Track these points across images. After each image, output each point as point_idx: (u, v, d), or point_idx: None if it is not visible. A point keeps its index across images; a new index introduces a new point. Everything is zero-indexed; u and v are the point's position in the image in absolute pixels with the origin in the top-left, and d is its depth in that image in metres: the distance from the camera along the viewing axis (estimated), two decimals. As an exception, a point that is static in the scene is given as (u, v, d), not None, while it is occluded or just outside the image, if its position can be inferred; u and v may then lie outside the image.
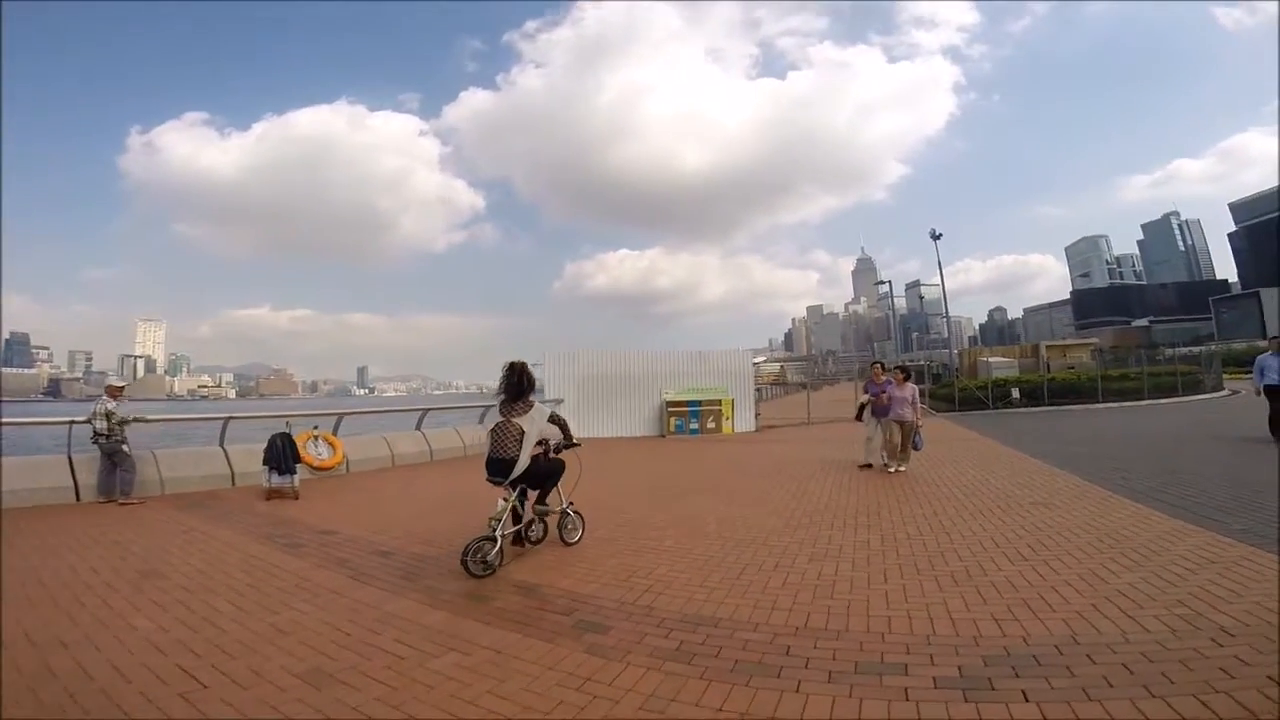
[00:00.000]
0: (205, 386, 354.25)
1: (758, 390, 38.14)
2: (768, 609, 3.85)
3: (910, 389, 9.25)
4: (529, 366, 5.44)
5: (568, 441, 5.64)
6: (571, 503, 5.64)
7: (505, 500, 4.98)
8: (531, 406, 5.16)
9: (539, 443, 5.30)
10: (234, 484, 9.11)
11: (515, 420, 5.04)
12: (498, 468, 5.00)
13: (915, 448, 9.21)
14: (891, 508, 6.74)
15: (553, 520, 5.55)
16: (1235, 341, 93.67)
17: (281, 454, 8.45)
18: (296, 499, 8.17)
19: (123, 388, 8.69)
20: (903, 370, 9.70)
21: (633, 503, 7.52)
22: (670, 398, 17.91)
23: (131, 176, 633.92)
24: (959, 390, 22.93)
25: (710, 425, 18.00)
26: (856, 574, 4.49)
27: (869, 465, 9.47)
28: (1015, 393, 21.94)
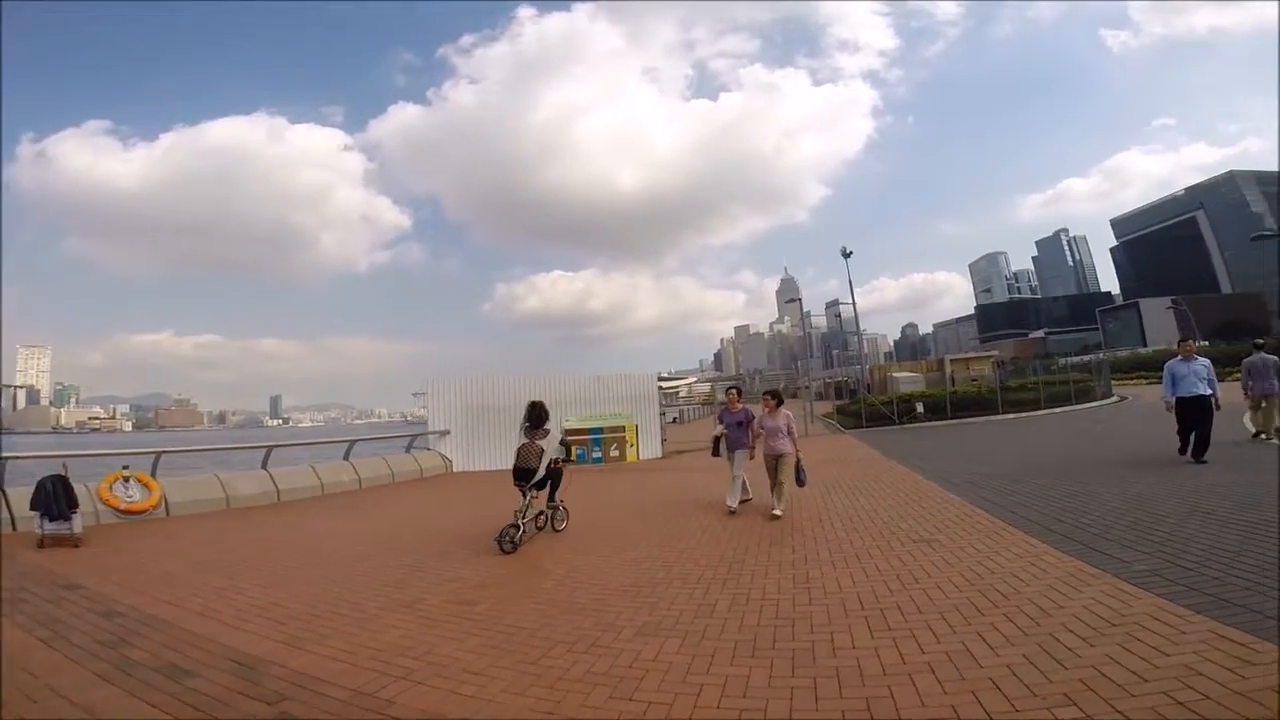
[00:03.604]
0: (97, 418, 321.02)
1: (679, 413, 37.82)
2: (547, 714, 2.95)
3: (784, 416, 7.75)
4: (543, 403, 7.33)
5: (565, 457, 7.80)
6: (562, 500, 7.51)
7: (525, 496, 6.82)
8: (549, 433, 7.12)
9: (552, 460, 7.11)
10: (15, 528, 7.99)
11: (538, 442, 6.97)
12: (523, 475, 6.86)
13: (799, 483, 7.56)
14: (758, 554, 5.78)
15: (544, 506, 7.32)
16: (1120, 350, 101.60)
17: (52, 497, 7.51)
18: (77, 546, 7.30)
19: None
20: (773, 396, 7.98)
21: (473, 548, 6.67)
22: (571, 425, 16.64)
23: (18, 187, 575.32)
24: (866, 407, 22.77)
25: (614, 453, 16.96)
26: (680, 657, 3.53)
27: (731, 508, 7.79)
28: (919, 407, 21.93)
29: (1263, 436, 10.53)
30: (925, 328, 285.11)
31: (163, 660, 3.71)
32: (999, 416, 21.55)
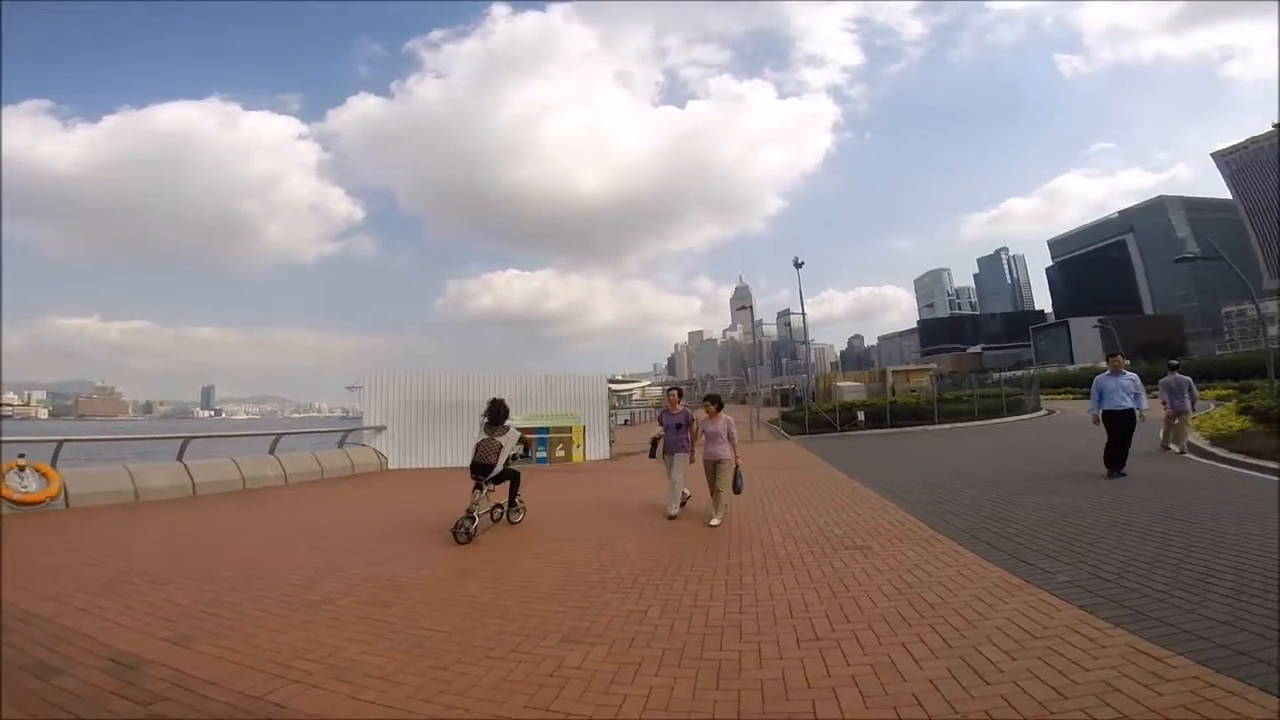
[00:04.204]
0: (9, 405, 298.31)
1: (630, 415, 37.68)
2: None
3: (724, 421, 7.56)
4: (504, 401, 7.47)
5: (524, 454, 7.70)
6: (520, 497, 7.63)
7: (479, 490, 6.93)
8: (508, 430, 7.30)
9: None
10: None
11: (497, 439, 7.14)
12: (480, 470, 7.00)
13: (736, 490, 7.42)
14: (695, 559, 5.66)
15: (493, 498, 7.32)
16: (1049, 366, 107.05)
17: None
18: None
19: None
20: (713, 400, 7.85)
21: (398, 547, 6.45)
22: (516, 424, 16.23)
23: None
24: (810, 414, 23.16)
25: (560, 453, 16.70)
26: (605, 666, 3.37)
27: (671, 513, 7.61)
28: (861, 416, 22.47)
29: (1173, 449, 11.15)
30: (871, 339, 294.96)
31: (32, 658, 3.43)
32: (935, 426, 22.24)
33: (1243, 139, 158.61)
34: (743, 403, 34.91)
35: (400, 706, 2.94)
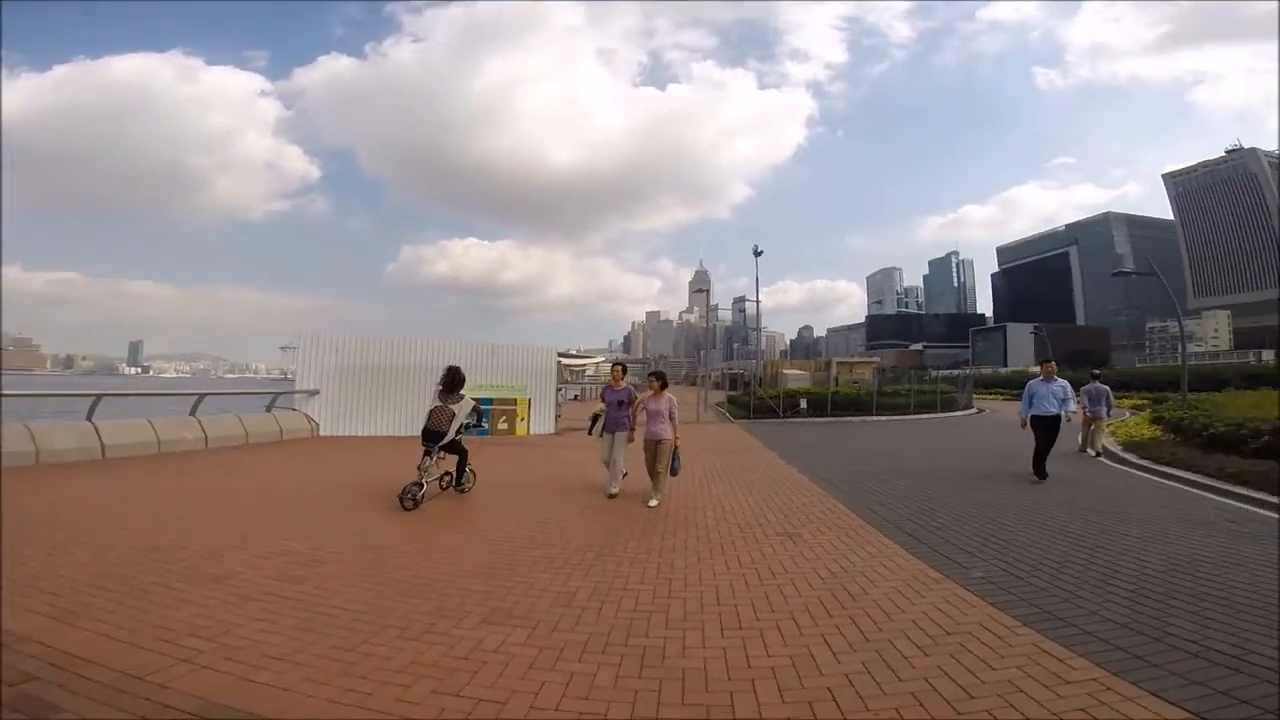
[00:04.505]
0: None
1: (581, 391, 37.39)
2: (353, 706, 2.68)
3: (668, 400, 7.35)
4: (460, 368, 7.43)
5: (476, 423, 7.68)
6: (470, 466, 7.63)
7: (429, 456, 6.96)
8: (463, 398, 7.23)
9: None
10: None
11: (450, 406, 7.10)
12: (432, 436, 6.99)
13: (673, 472, 7.34)
14: (630, 540, 5.61)
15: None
16: (985, 367, 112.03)
17: None
18: None
19: None
20: (658, 377, 7.58)
21: (320, 519, 6.11)
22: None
23: None
24: (755, 399, 23.50)
25: (502, 426, 16.35)
26: (525, 650, 3.28)
27: (612, 492, 7.52)
28: (803, 403, 22.92)
29: (1089, 452, 11.84)
30: (820, 331, 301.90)
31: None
32: (873, 418, 22.90)
33: (1195, 163, 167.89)
34: (693, 384, 35.17)
35: (295, 689, 2.78)
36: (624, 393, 7.74)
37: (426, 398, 15.54)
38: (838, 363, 38.06)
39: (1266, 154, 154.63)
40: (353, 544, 5.24)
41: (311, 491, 7.70)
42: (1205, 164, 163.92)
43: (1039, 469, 8.80)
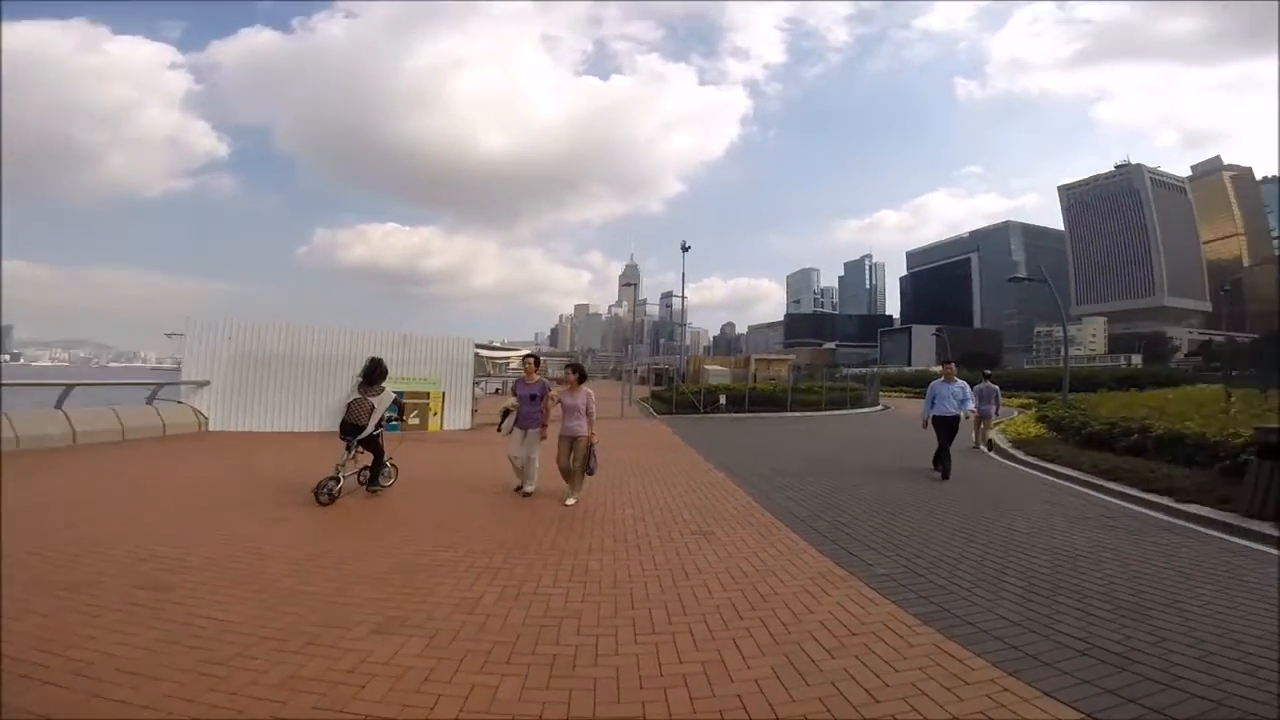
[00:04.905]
0: None
1: (502, 384, 36.48)
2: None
3: (585, 395, 7.05)
4: (382, 360, 7.20)
5: (399, 416, 7.71)
6: (391, 457, 7.39)
7: (347, 450, 6.80)
8: (383, 391, 7.06)
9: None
10: None
11: (370, 399, 6.94)
12: (350, 430, 6.83)
13: (589, 470, 7.04)
14: (542, 540, 5.44)
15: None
16: (891, 366, 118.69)
17: None
18: None
19: None
20: (575, 370, 7.28)
21: (196, 520, 5.61)
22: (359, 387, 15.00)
23: None
24: (677, 395, 23.74)
25: (414, 420, 15.60)
26: (421, 661, 3.08)
27: (527, 493, 7.24)
28: (722, 399, 23.35)
29: (982, 448, 12.69)
30: (742, 328, 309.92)
31: None
32: (788, 414, 23.65)
33: (1087, 176, 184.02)
34: (620, 379, 35.22)
35: (156, 706, 2.53)
36: (538, 386, 7.43)
37: (329, 390, 15.04)
38: (756, 360, 39.13)
39: (1151, 171, 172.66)
40: (232, 549, 4.80)
41: (191, 491, 7.02)
42: (1096, 178, 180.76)
43: (941, 467, 9.13)
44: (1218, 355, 68.52)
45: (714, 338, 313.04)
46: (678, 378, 29.57)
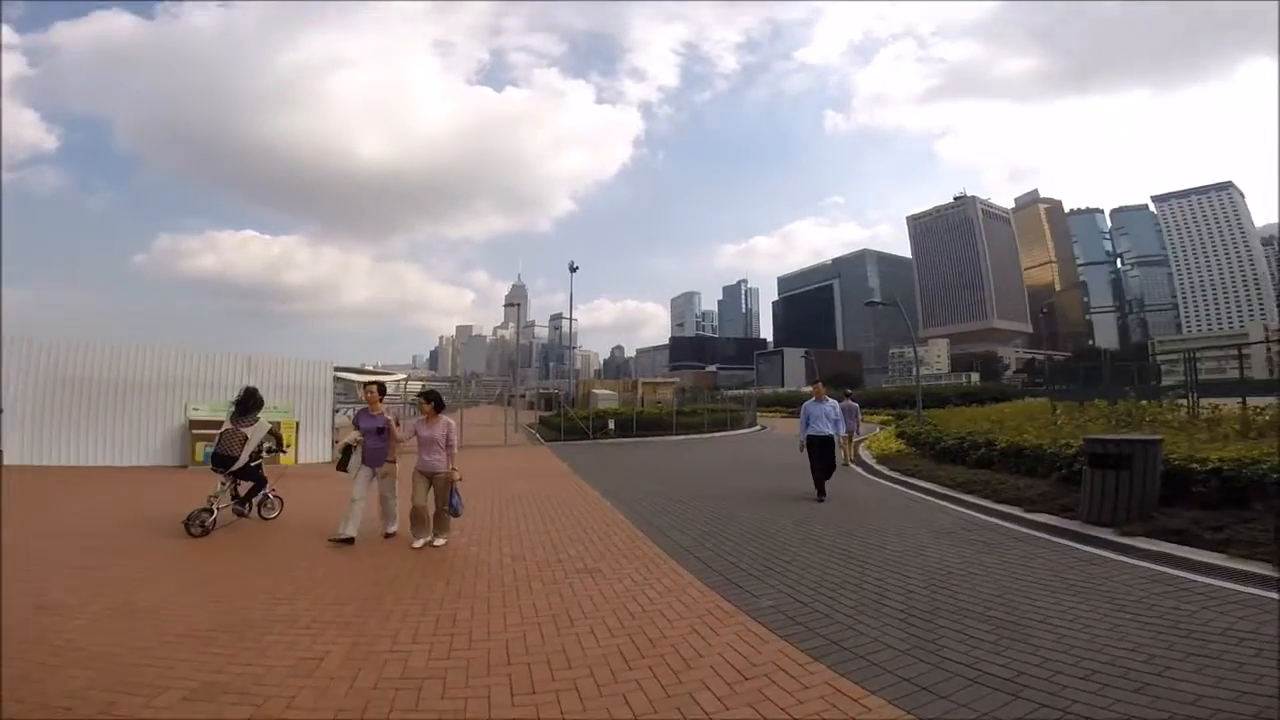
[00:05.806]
0: None
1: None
2: None
3: (444, 425, 6.30)
4: (257, 390, 7.25)
5: (277, 447, 7.40)
6: (274, 488, 7.42)
7: (222, 484, 6.77)
8: (256, 421, 7.01)
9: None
10: None
11: (243, 429, 6.88)
12: (221, 461, 6.78)
13: (453, 512, 6.17)
14: (404, 588, 4.88)
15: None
16: (766, 387, 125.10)
17: None
18: None
19: None
20: (429, 399, 6.50)
21: None
22: (200, 416, 13.24)
23: None
24: (565, 420, 23.32)
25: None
26: None
27: (348, 539, 6.12)
28: (611, 424, 23.29)
29: (850, 465, 13.38)
30: (631, 351, 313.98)
31: None
32: (673, 437, 23.95)
33: (930, 207, 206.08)
34: (508, 404, 34.03)
35: None
36: (383, 419, 6.60)
37: (159, 418, 13.14)
38: (643, 383, 39.49)
39: (983, 203, 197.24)
40: (12, 604, 3.93)
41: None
42: (938, 209, 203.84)
43: (819, 488, 9.22)
44: (1039, 372, 78.25)
45: (604, 360, 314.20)
46: (566, 403, 29.06)
